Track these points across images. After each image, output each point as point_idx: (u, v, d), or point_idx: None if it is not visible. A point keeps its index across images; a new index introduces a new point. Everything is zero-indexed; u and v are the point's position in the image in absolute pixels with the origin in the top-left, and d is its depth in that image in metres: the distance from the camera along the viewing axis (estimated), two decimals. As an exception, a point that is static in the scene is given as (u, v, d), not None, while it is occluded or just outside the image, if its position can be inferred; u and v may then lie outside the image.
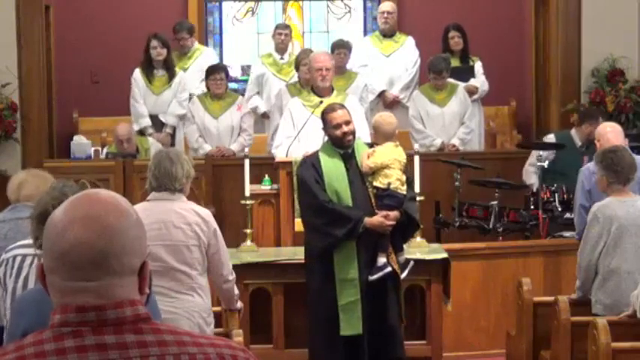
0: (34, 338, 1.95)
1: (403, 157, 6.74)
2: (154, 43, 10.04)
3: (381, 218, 6.53)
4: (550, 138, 9.04)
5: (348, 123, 6.66)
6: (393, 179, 6.59)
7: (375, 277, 6.52)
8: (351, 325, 6.55)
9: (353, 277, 6.54)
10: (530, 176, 8.96)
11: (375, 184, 6.62)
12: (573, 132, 9.03)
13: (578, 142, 8.91)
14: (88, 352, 1.91)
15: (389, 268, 6.54)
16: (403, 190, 6.65)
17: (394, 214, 6.57)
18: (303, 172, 6.76)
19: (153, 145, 9.59)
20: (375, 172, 6.62)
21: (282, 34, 10.50)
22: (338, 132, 6.65)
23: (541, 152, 8.78)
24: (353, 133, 6.69)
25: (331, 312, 6.56)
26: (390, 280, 6.60)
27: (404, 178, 6.69)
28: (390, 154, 6.66)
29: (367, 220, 6.52)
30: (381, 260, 6.55)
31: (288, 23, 10.94)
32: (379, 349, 6.64)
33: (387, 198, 6.60)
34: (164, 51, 10.06)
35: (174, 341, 1.97)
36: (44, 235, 2.01)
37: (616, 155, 6.36)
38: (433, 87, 9.98)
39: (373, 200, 6.62)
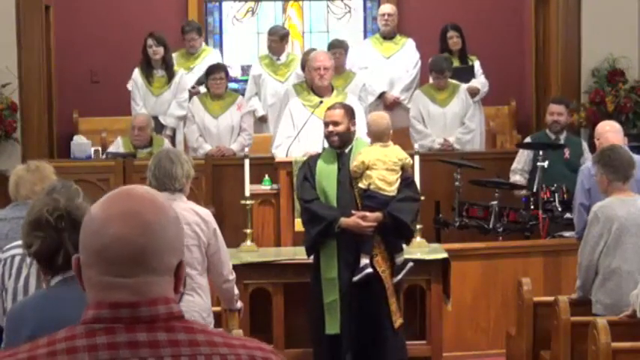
0: (67, 333, 1.95)
1: (394, 157, 6.70)
2: (150, 42, 10.04)
3: (357, 219, 6.53)
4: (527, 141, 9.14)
5: (335, 124, 6.69)
6: (373, 179, 6.59)
7: (357, 278, 6.54)
8: (332, 324, 6.58)
9: (333, 277, 6.58)
10: (514, 177, 9.00)
11: (360, 185, 6.65)
12: (548, 130, 9.07)
13: (553, 136, 8.95)
14: (119, 350, 1.91)
15: (369, 270, 6.53)
16: (389, 190, 6.63)
17: (374, 215, 6.55)
18: (299, 171, 6.87)
19: (167, 146, 9.55)
20: (360, 173, 6.64)
21: (270, 40, 10.55)
22: (325, 131, 6.72)
23: (540, 152, 8.79)
24: (339, 134, 6.69)
25: (318, 310, 6.60)
26: (375, 282, 6.58)
27: (391, 178, 6.66)
28: (373, 154, 6.65)
29: (343, 220, 6.54)
30: (363, 261, 6.55)
31: (278, 27, 10.86)
32: (368, 352, 6.62)
33: (367, 199, 6.61)
34: (160, 49, 10.04)
35: (206, 341, 1.96)
36: (82, 231, 2.01)
37: (613, 152, 6.37)
38: (434, 87, 9.99)
39: (359, 201, 6.64)
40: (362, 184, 6.63)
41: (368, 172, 6.61)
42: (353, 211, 6.57)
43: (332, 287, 6.59)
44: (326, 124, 6.74)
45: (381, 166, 6.62)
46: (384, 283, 6.62)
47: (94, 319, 1.95)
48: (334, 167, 6.69)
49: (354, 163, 6.64)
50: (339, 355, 6.59)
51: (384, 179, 6.61)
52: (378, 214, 6.56)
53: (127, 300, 1.94)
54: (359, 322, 6.58)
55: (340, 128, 6.68)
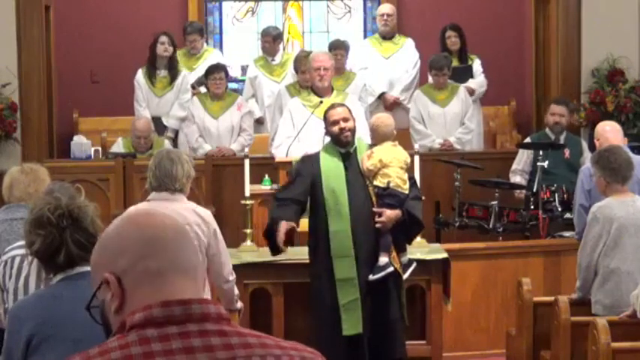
0: (119, 342, 1.94)
1: (403, 156, 6.74)
2: (163, 39, 10.05)
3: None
4: (527, 141, 9.16)
5: (346, 120, 6.67)
6: (393, 178, 6.59)
7: (376, 276, 6.50)
8: (351, 324, 6.53)
9: (352, 277, 6.53)
10: (514, 178, 9.01)
11: (376, 183, 6.62)
12: (548, 130, 9.08)
13: (553, 136, 8.96)
14: (175, 356, 1.91)
15: (391, 268, 6.52)
16: (404, 188, 6.65)
17: (394, 212, 6.56)
18: (297, 165, 6.83)
19: (167, 146, 9.55)
20: (375, 172, 6.62)
21: (263, 41, 10.61)
22: (335, 128, 6.67)
23: (541, 152, 8.78)
24: (351, 130, 6.68)
25: (332, 312, 6.55)
26: (391, 280, 6.59)
27: (405, 176, 6.68)
28: (389, 153, 6.65)
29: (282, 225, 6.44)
30: (383, 260, 6.52)
31: (270, 28, 10.86)
32: (380, 349, 6.63)
33: (387, 197, 6.59)
34: (171, 49, 10.08)
35: (259, 344, 1.98)
36: (115, 243, 2.03)
37: (611, 153, 6.37)
38: (434, 87, 9.99)
39: (374, 200, 6.62)
40: (379, 183, 6.60)
41: (385, 170, 6.60)
42: (374, 209, 6.56)
43: (350, 287, 6.53)
44: (335, 122, 6.67)
45: (397, 164, 6.63)
46: (402, 279, 6.65)
47: (145, 319, 1.94)
48: (341, 167, 6.67)
49: (370, 161, 6.60)
50: (357, 355, 6.57)
51: (401, 177, 6.63)
52: (398, 212, 6.56)
53: (179, 297, 1.97)
54: (380, 320, 6.57)
55: (351, 124, 6.68)
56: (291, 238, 6.58)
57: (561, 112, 8.96)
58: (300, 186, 6.64)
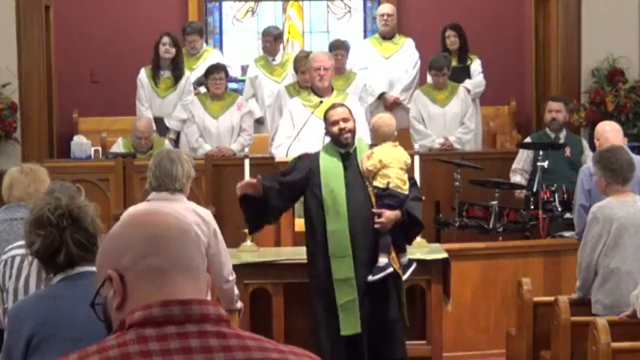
0: (118, 340, 1.94)
1: (403, 157, 6.73)
2: (165, 40, 10.02)
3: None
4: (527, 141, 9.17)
5: (346, 120, 6.66)
6: (392, 178, 6.58)
7: (375, 277, 6.49)
8: (350, 324, 6.53)
9: (350, 277, 6.52)
10: (514, 177, 9.01)
11: (375, 184, 6.61)
12: (548, 129, 9.09)
13: (553, 135, 8.96)
14: (172, 356, 1.92)
15: (390, 269, 6.51)
16: (404, 189, 6.64)
17: (394, 213, 6.56)
18: (295, 160, 6.82)
19: (167, 146, 9.54)
20: (375, 173, 6.62)
21: (265, 41, 10.62)
22: (335, 128, 6.67)
23: (540, 152, 8.78)
24: (351, 131, 6.67)
25: (331, 312, 6.55)
26: (391, 281, 6.58)
27: (405, 177, 6.67)
28: (389, 153, 6.65)
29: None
30: (383, 260, 6.51)
31: (271, 28, 10.87)
32: (379, 350, 6.63)
33: (387, 198, 6.58)
34: (173, 50, 10.03)
35: (257, 347, 1.98)
36: (116, 242, 2.05)
37: (613, 154, 6.36)
38: (434, 87, 9.99)
39: (374, 200, 6.61)
40: (379, 183, 6.60)
41: (384, 170, 6.59)
42: (373, 210, 6.55)
43: (347, 287, 6.52)
44: (335, 122, 6.67)
45: (397, 164, 6.62)
46: (402, 279, 6.65)
47: (144, 319, 1.95)
48: (340, 167, 6.66)
49: (370, 161, 6.59)
50: (356, 355, 6.56)
51: (401, 178, 6.62)
52: (397, 213, 6.56)
53: (178, 297, 1.97)
54: (379, 320, 6.57)
55: (351, 124, 6.68)
56: (257, 196, 6.59)
57: (558, 107, 8.97)
58: (291, 176, 6.65)
